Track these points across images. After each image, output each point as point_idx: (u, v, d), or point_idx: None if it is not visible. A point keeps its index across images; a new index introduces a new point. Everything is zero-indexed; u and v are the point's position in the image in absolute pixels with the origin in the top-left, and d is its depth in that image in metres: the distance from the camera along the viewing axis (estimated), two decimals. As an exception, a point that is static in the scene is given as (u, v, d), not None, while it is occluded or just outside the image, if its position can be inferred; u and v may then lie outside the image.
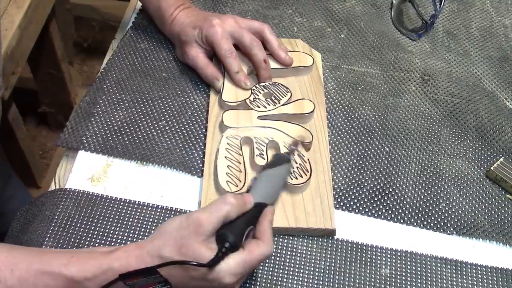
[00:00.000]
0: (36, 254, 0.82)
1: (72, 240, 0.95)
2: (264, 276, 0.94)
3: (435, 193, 1.07)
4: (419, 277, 0.97)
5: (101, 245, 0.95)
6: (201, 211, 0.81)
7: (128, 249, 0.81)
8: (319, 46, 1.27)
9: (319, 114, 1.11)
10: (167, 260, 0.78)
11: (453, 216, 1.04)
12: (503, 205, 1.07)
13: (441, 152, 1.13)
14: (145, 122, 1.10)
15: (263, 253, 0.82)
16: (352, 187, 1.06)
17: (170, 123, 1.11)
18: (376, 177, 1.07)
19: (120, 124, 1.10)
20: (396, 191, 1.06)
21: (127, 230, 0.97)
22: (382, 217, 1.03)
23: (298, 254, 0.97)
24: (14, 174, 1.55)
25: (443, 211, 1.05)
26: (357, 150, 1.11)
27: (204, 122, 1.11)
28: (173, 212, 1.00)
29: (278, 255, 0.97)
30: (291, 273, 0.95)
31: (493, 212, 1.06)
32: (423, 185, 1.08)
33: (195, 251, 0.78)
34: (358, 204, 1.04)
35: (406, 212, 1.04)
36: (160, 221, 0.98)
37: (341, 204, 1.04)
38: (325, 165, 1.05)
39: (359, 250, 0.99)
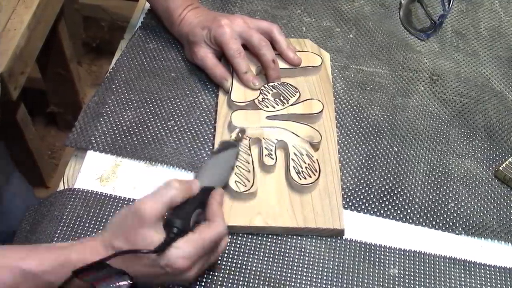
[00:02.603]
0: None
1: (81, 239, 0.95)
2: (273, 276, 0.94)
3: (444, 193, 1.07)
4: (427, 277, 0.97)
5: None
6: (144, 198, 0.82)
7: (84, 240, 0.82)
8: (328, 46, 1.27)
9: (328, 114, 1.11)
10: (118, 250, 0.79)
11: (461, 216, 1.04)
12: (511, 205, 1.07)
13: (449, 152, 1.13)
14: (153, 122, 1.10)
15: (214, 233, 0.84)
16: (360, 187, 1.06)
17: (178, 123, 1.11)
18: (385, 177, 1.07)
19: (129, 124, 1.10)
20: (405, 191, 1.06)
21: (136, 230, 0.97)
22: (391, 217, 1.03)
23: (307, 254, 0.97)
24: (17, 172, 1.55)
25: (452, 211, 1.05)
26: (366, 150, 1.11)
27: (213, 122, 1.11)
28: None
29: (287, 255, 0.97)
30: (299, 273, 0.95)
31: (501, 212, 1.06)
32: (432, 185, 1.08)
33: (143, 238, 0.79)
34: (366, 204, 1.04)
35: (415, 212, 1.04)
36: (169, 221, 0.99)
37: (350, 204, 1.04)
38: (334, 165, 1.05)
39: (367, 250, 0.99)
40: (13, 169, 1.53)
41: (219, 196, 0.90)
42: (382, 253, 0.99)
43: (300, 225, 0.98)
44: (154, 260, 0.79)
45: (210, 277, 0.93)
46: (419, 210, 1.04)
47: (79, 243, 0.81)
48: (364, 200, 1.04)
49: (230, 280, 0.93)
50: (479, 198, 1.07)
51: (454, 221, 1.04)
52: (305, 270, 0.96)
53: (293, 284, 0.94)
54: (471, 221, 1.04)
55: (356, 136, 1.13)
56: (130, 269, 0.79)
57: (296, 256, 0.97)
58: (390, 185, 1.06)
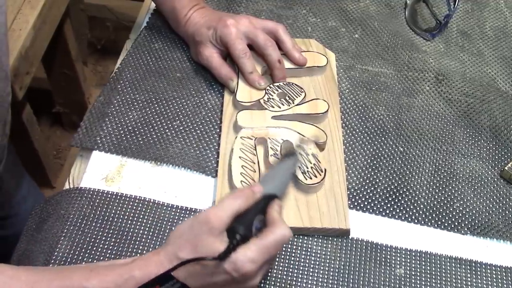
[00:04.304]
0: (55, 271, 0.82)
1: (88, 239, 0.95)
2: (279, 276, 0.94)
3: (449, 193, 1.07)
4: (433, 277, 0.97)
5: (116, 244, 0.95)
6: (212, 209, 0.82)
7: (146, 256, 0.81)
8: (333, 46, 1.27)
9: (333, 114, 1.11)
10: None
11: (467, 216, 1.04)
12: (517, 205, 1.07)
13: (455, 152, 1.13)
14: (159, 122, 1.11)
15: (279, 236, 0.82)
16: (366, 187, 1.06)
17: (184, 123, 1.11)
18: (390, 177, 1.07)
19: (134, 124, 1.10)
20: (410, 191, 1.06)
21: (142, 229, 0.97)
22: (396, 217, 1.03)
23: (313, 254, 0.97)
24: (27, 175, 1.55)
25: (457, 211, 1.05)
26: (371, 150, 1.11)
27: (218, 122, 1.11)
28: (187, 212, 1.00)
29: (293, 255, 0.97)
30: (306, 273, 0.95)
31: (507, 212, 1.06)
32: (437, 185, 1.08)
33: (209, 246, 0.79)
34: (372, 204, 1.04)
35: (420, 212, 1.04)
36: (175, 220, 0.99)
37: (355, 204, 1.04)
38: (339, 165, 1.05)
39: (373, 250, 0.99)
40: (24, 173, 1.54)
41: (278, 206, 0.88)
42: (388, 253, 0.99)
43: (306, 225, 0.98)
44: (220, 267, 0.79)
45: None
46: (424, 210, 1.04)
47: (141, 259, 0.81)
48: (370, 200, 1.04)
49: (236, 280, 0.93)
50: (485, 198, 1.07)
51: (460, 221, 1.04)
52: (311, 269, 0.96)
53: (299, 283, 0.94)
54: (476, 221, 1.04)
55: (362, 136, 1.13)
56: (195, 279, 0.80)
57: (303, 256, 0.97)
58: (396, 185, 1.06)
